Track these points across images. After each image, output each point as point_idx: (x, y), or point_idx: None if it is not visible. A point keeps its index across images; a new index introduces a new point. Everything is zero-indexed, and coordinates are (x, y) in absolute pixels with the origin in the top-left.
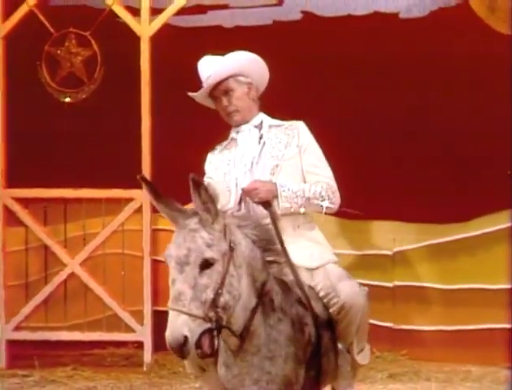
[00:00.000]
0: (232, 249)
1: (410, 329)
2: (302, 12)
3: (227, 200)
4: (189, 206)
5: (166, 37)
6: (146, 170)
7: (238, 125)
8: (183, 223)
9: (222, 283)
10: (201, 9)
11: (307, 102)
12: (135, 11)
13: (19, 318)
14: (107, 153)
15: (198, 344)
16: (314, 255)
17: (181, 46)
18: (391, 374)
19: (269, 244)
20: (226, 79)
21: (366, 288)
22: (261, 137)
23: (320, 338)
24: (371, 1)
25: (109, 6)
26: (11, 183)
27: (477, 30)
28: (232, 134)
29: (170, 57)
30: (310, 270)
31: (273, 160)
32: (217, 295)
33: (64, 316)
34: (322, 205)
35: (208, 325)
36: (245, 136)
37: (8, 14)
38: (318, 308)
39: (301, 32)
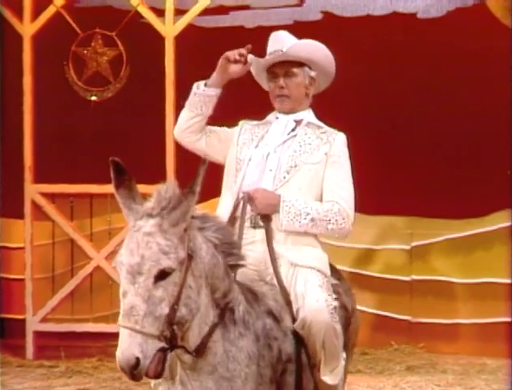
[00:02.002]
0: (190, 258)
1: (427, 322)
2: (322, 12)
3: (231, 172)
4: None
5: (189, 37)
6: (170, 166)
7: (285, 112)
8: (137, 225)
9: (178, 297)
10: (223, 9)
11: (326, 101)
12: (159, 12)
13: (46, 310)
14: (132, 150)
15: (149, 366)
16: (304, 253)
17: (204, 46)
18: (408, 367)
19: (232, 248)
20: (294, 62)
21: (333, 304)
22: (293, 130)
23: (298, 353)
24: (390, 1)
25: (134, 7)
26: (39, 178)
27: (494, 30)
28: (270, 117)
29: (194, 56)
30: (293, 265)
31: (294, 158)
32: (172, 310)
33: (90, 308)
34: (327, 228)
35: (162, 344)
36: (279, 126)
37: (36, 14)
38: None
39: (321, 31)
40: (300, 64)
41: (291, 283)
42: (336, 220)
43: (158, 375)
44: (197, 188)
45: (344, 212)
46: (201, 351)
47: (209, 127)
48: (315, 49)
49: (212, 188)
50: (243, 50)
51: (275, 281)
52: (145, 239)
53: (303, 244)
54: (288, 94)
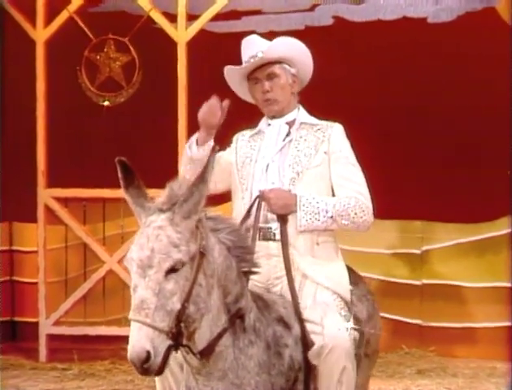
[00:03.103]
0: (202, 255)
1: (437, 326)
2: (333, 17)
3: (238, 194)
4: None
5: (202, 43)
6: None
7: (272, 117)
8: (148, 221)
9: (189, 293)
10: (235, 15)
11: (337, 105)
12: (172, 17)
13: (59, 314)
14: (144, 155)
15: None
16: (330, 274)
17: (217, 51)
18: (419, 370)
19: (246, 253)
20: (273, 63)
21: (354, 334)
22: (288, 134)
23: (307, 360)
24: (400, 6)
25: (147, 12)
26: (52, 183)
27: (503, 34)
28: (261, 125)
29: (206, 62)
30: (314, 282)
31: (295, 166)
32: (182, 307)
33: (102, 311)
34: (348, 223)
35: (170, 341)
36: (273, 133)
37: (49, 20)
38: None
39: (333, 36)
40: (279, 64)
41: (303, 295)
42: (356, 213)
43: (160, 372)
44: (208, 176)
45: (363, 204)
46: (206, 354)
47: None
48: (291, 46)
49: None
50: (214, 102)
51: (283, 292)
52: (155, 232)
53: (324, 259)
54: (274, 97)
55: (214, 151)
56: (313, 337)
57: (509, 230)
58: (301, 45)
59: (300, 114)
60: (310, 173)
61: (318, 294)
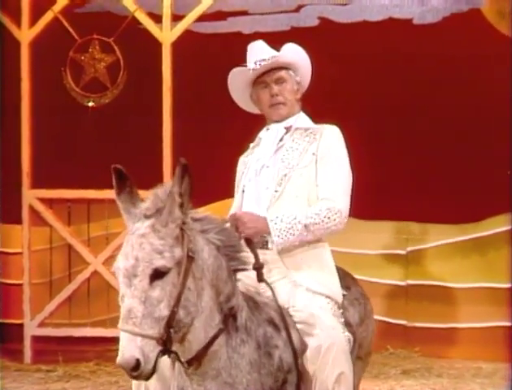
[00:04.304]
0: (190, 259)
1: (422, 327)
2: (319, 18)
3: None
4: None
5: (187, 43)
6: (167, 172)
7: (278, 120)
8: (134, 228)
9: (178, 298)
10: (221, 15)
11: (323, 107)
12: (157, 18)
13: (44, 315)
14: (129, 155)
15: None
16: (321, 280)
17: (202, 52)
18: (404, 371)
19: (235, 252)
20: (281, 68)
21: (349, 335)
22: (281, 139)
23: (297, 364)
24: (386, 7)
25: (131, 13)
26: (36, 184)
27: (488, 35)
28: (261, 133)
29: (191, 63)
30: (311, 291)
31: (283, 168)
32: (172, 312)
33: (87, 313)
34: (323, 231)
35: (160, 347)
36: (269, 137)
37: (34, 20)
38: (295, 334)
39: (318, 37)
40: (286, 70)
41: (296, 301)
42: (329, 218)
43: (149, 377)
44: (175, 189)
45: (334, 207)
46: (199, 359)
47: None
48: (297, 53)
49: (225, 189)
50: None
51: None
52: (138, 241)
53: (314, 264)
54: (283, 101)
55: (180, 164)
56: (307, 339)
57: (495, 231)
58: (303, 52)
59: (298, 119)
60: (297, 174)
61: (311, 298)
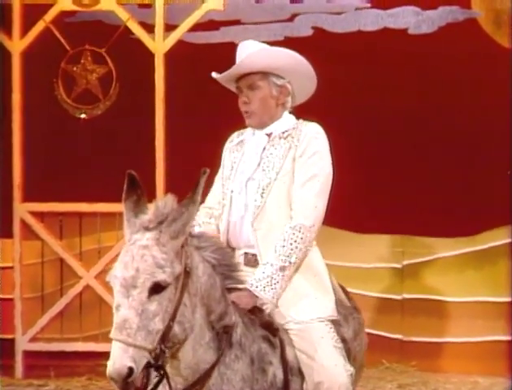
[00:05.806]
0: (187, 274)
1: (418, 341)
2: (313, 28)
3: (220, 211)
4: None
5: (180, 54)
6: (160, 185)
7: (253, 128)
8: (133, 239)
9: (174, 313)
10: (214, 25)
11: (317, 116)
12: (149, 28)
13: (36, 330)
14: (121, 168)
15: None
16: (305, 304)
17: (195, 62)
18: (400, 385)
19: (231, 271)
20: (256, 73)
21: (351, 370)
22: (264, 149)
23: (287, 383)
24: (381, 17)
25: (124, 22)
26: (28, 197)
27: (484, 45)
28: (247, 133)
29: (184, 73)
30: (296, 323)
31: (265, 178)
32: (167, 327)
33: (79, 327)
34: (301, 256)
35: (150, 358)
36: (252, 147)
37: (25, 31)
38: (290, 353)
39: (312, 47)
40: (264, 74)
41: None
42: (295, 241)
43: (145, 387)
44: (198, 198)
45: (295, 226)
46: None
47: (209, 210)
48: (276, 56)
49: None
50: None
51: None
52: (140, 252)
53: (310, 295)
54: (251, 110)
55: (203, 174)
56: (305, 370)
57: (490, 245)
58: (292, 55)
59: (279, 125)
60: (278, 183)
61: (308, 325)
